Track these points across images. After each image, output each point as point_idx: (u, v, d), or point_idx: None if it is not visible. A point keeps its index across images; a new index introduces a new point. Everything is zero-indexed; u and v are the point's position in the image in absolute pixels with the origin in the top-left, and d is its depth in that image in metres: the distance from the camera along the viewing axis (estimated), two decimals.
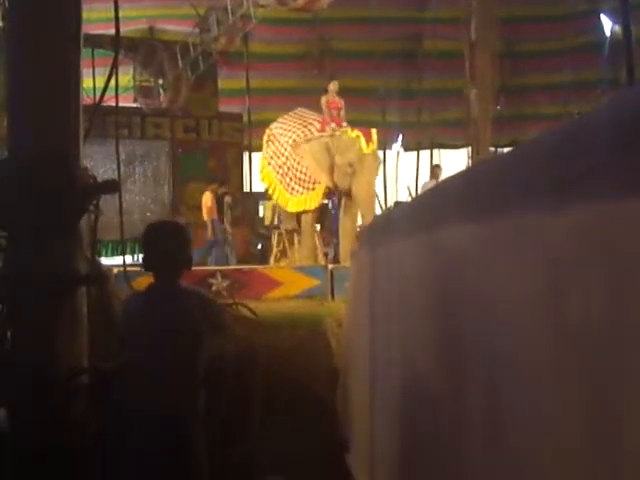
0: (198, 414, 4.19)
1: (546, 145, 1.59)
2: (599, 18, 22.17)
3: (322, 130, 15.75)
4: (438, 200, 2.63)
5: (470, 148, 19.63)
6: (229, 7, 17.89)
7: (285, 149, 16.18)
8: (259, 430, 5.68)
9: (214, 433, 4.77)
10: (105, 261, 10.40)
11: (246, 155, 23.81)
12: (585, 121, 1.45)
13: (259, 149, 24.59)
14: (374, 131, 15.50)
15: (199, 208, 20.48)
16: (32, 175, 3.86)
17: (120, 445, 4.01)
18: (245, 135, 23.64)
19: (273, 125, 17.05)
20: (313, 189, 15.66)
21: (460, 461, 2.08)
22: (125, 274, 4.93)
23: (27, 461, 3.88)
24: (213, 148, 22.68)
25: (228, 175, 22.29)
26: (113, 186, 4.35)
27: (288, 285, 14.67)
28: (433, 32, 22.64)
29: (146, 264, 4.30)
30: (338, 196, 16.01)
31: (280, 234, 18.09)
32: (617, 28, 19.55)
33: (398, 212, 4.54)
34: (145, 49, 20.24)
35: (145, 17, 20.41)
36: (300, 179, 15.82)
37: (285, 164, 16.16)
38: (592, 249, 1.24)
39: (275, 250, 17.86)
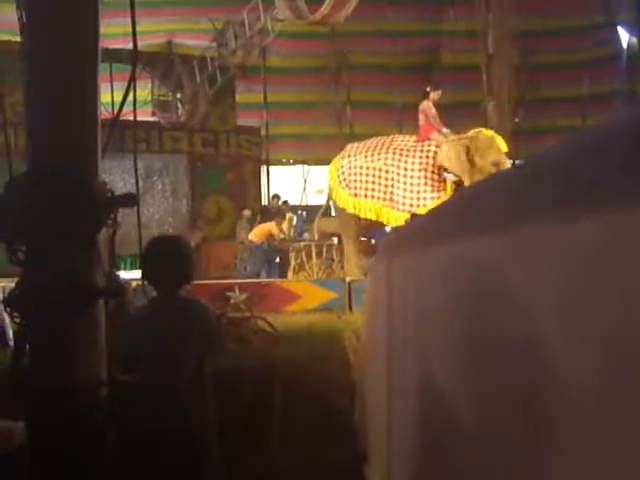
0: (208, 424, 4.20)
1: (563, 154, 1.59)
2: (616, 30, 22.17)
3: (423, 138, 15.05)
4: (454, 212, 2.63)
5: None
6: (246, 21, 17.97)
7: (386, 171, 15.03)
8: (277, 441, 5.68)
9: (232, 445, 4.77)
10: (124, 275, 10.44)
11: (264, 168, 23.89)
12: (601, 131, 1.45)
13: (277, 163, 24.75)
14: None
15: (217, 222, 20.57)
16: (50, 189, 3.88)
17: (135, 458, 4.03)
18: (263, 149, 23.71)
19: (344, 163, 15.78)
20: (439, 198, 14.32)
21: (480, 475, 2.07)
22: (144, 287, 4.95)
23: (46, 475, 3.89)
24: (231, 162, 22.81)
25: (246, 189, 22.40)
26: (131, 200, 4.36)
27: (306, 298, 14.71)
28: (450, 45, 22.70)
29: (147, 278, 4.35)
30: None
31: (298, 248, 18.14)
32: (634, 40, 19.57)
33: (415, 224, 4.54)
34: (163, 63, 20.37)
35: (163, 31, 20.51)
36: (419, 191, 14.77)
37: (392, 185, 14.97)
38: (611, 259, 1.24)
39: (293, 263, 17.89)
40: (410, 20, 22.96)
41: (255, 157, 23.60)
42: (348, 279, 14.59)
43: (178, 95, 20.67)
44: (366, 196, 15.21)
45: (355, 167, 15.36)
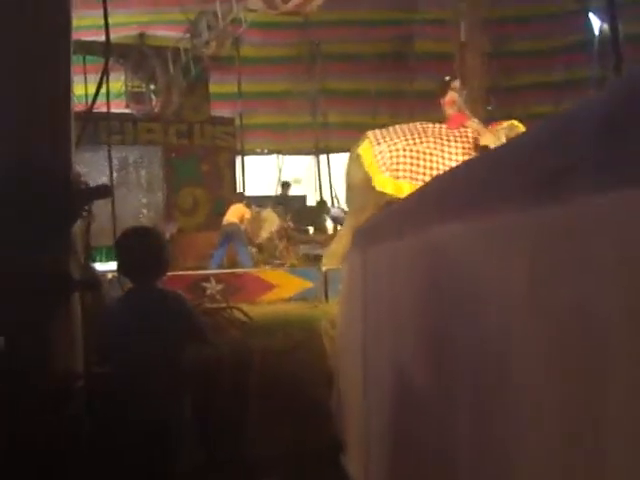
0: (185, 415, 4.21)
1: (531, 141, 1.61)
2: (587, 17, 22.23)
3: (456, 126, 14.81)
4: (427, 200, 2.66)
5: None
6: (219, 12, 17.89)
7: (430, 154, 14.30)
8: (254, 432, 5.69)
9: (209, 436, 4.79)
10: (99, 267, 10.42)
11: (239, 159, 23.82)
12: (569, 116, 1.47)
13: (251, 153, 24.69)
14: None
15: (192, 213, 20.55)
16: (25, 182, 3.88)
17: (110, 449, 4.04)
18: (237, 139, 23.64)
19: (382, 149, 14.51)
20: None
21: (452, 461, 2.10)
22: (119, 279, 4.94)
23: (21, 464, 3.90)
24: (206, 152, 22.70)
25: (221, 179, 22.39)
26: (105, 191, 4.37)
27: (282, 287, 14.70)
28: (423, 33, 22.67)
29: (122, 270, 4.33)
30: None
31: (258, 244, 18.39)
32: (605, 26, 19.64)
33: (388, 213, 4.56)
34: (136, 55, 20.26)
35: (135, 23, 20.35)
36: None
37: (436, 169, 14.02)
38: (577, 245, 1.27)
39: (259, 258, 18.13)
40: (383, 8, 22.88)
41: (229, 147, 23.47)
42: (324, 268, 14.56)
43: (151, 86, 20.59)
44: (411, 178, 14.60)
45: (397, 150, 14.45)
